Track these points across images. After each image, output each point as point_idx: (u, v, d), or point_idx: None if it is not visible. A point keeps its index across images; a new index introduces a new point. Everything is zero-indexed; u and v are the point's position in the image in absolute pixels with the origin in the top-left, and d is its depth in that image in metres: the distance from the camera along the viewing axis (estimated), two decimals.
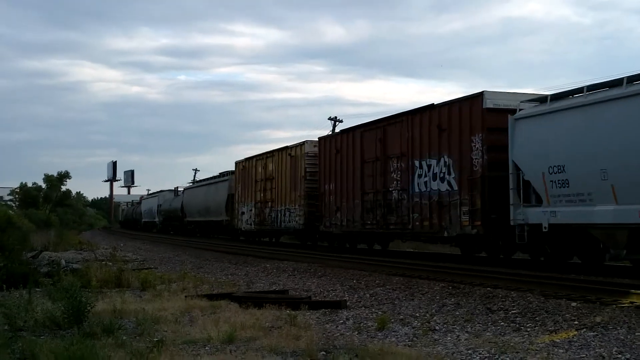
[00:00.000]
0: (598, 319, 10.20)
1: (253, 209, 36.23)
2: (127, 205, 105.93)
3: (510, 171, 17.35)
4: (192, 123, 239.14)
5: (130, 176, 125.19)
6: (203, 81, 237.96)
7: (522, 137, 17.13)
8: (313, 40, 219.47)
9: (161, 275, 19.49)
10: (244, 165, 38.39)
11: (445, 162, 20.43)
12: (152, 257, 30.07)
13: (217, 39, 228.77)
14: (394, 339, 9.91)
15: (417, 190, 21.75)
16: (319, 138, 29.18)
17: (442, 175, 20.52)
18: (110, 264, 21.08)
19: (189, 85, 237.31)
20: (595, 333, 9.40)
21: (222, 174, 47.56)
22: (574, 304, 11.54)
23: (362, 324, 11.16)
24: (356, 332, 10.48)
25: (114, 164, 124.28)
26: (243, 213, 38.21)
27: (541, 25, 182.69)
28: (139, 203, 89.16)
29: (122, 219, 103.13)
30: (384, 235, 25.39)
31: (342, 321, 11.51)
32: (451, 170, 20.07)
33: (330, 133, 28.01)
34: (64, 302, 10.57)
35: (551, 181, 16.10)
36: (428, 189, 21.16)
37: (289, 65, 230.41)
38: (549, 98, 16.73)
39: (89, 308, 10.62)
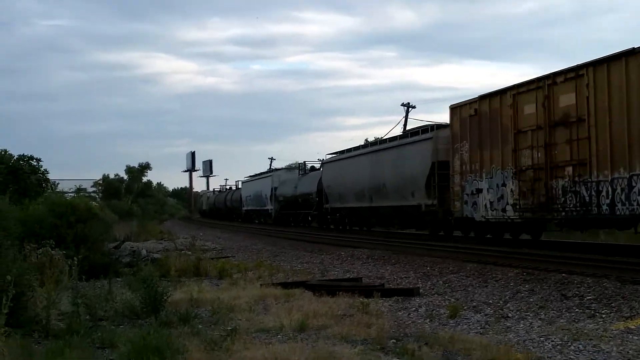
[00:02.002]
0: None
1: (511, 183, 20.64)
2: (212, 192, 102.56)
3: None
4: (265, 112, 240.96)
5: (208, 166, 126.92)
6: (275, 70, 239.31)
7: None
8: (383, 25, 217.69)
9: (238, 264, 19.89)
10: (477, 108, 22.49)
11: None
12: (230, 246, 30.63)
13: (287, 28, 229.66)
14: (465, 326, 9.90)
15: None
16: None
17: None
18: (189, 253, 21.54)
19: (260, 75, 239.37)
20: None
21: (408, 133, 31.56)
22: None
23: (434, 311, 11.16)
24: (428, 320, 10.49)
25: (193, 154, 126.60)
26: (476, 192, 22.49)
27: (619, 2, 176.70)
28: (233, 189, 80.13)
29: (205, 208, 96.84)
30: None
31: (414, 309, 11.53)
32: None
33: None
34: (141, 292, 10.90)
35: None
36: None
37: (359, 51, 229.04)
38: None
39: (165, 298, 10.92)
